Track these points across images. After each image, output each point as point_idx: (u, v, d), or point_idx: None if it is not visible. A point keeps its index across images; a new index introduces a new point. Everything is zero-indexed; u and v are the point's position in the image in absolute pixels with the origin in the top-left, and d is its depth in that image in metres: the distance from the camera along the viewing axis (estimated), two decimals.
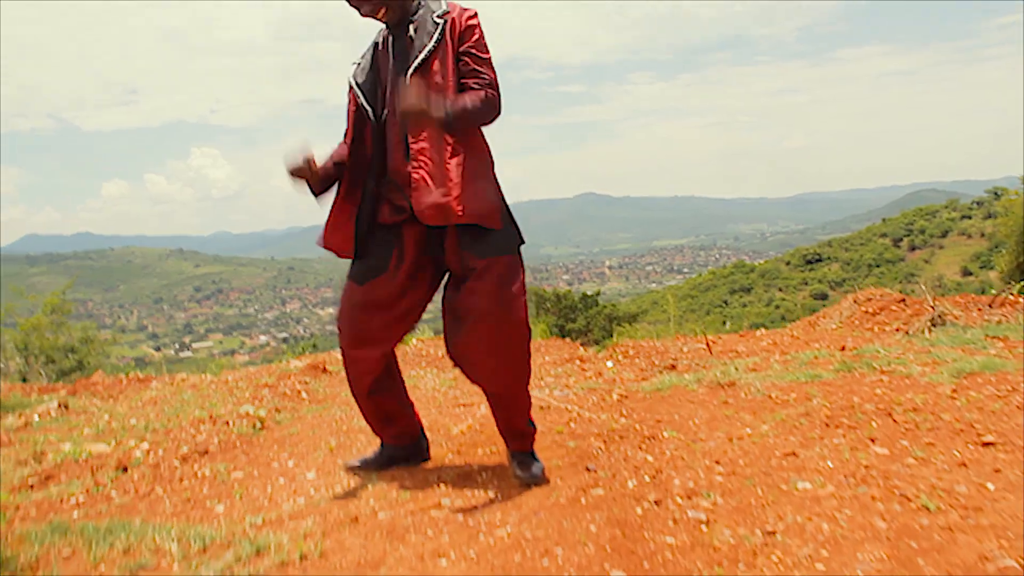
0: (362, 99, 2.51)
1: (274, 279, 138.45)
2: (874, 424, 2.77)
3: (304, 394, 5.00)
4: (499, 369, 2.46)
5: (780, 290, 59.35)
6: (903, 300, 6.88)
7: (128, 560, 1.96)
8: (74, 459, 3.18)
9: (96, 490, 2.74)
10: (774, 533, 1.87)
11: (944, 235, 63.43)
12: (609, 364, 5.52)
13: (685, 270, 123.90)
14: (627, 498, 2.26)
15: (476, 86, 2.41)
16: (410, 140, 2.42)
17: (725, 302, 56.76)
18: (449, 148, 2.38)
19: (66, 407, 4.90)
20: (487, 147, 2.52)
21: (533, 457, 2.62)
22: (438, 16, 2.45)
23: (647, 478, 2.44)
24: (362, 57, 2.59)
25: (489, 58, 2.45)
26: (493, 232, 2.42)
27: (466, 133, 2.42)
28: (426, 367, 6.42)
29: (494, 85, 2.42)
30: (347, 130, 2.58)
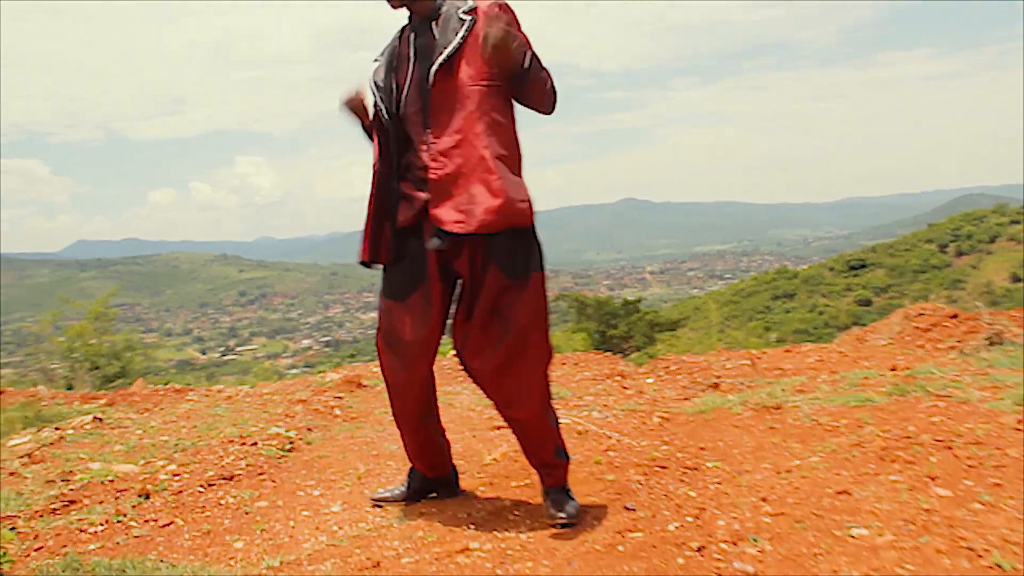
0: (377, 98, 2.39)
1: (317, 284, 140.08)
2: (933, 459, 2.57)
3: (337, 411, 4.92)
4: (528, 391, 2.33)
5: (824, 296, 58.25)
6: (955, 316, 6.59)
7: None
8: (100, 481, 3.14)
9: (116, 519, 2.68)
10: None
11: (992, 240, 61.61)
12: (649, 381, 5.36)
13: (727, 276, 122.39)
14: (668, 544, 2.12)
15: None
16: (432, 140, 2.28)
17: (768, 308, 55.94)
18: (485, 148, 2.22)
19: (100, 420, 4.91)
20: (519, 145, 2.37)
21: (567, 494, 2.46)
22: (464, 12, 2.29)
23: (689, 518, 2.29)
24: (381, 54, 2.46)
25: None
26: (524, 246, 2.27)
27: (507, 125, 2.29)
28: (463, 382, 6.30)
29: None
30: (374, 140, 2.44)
